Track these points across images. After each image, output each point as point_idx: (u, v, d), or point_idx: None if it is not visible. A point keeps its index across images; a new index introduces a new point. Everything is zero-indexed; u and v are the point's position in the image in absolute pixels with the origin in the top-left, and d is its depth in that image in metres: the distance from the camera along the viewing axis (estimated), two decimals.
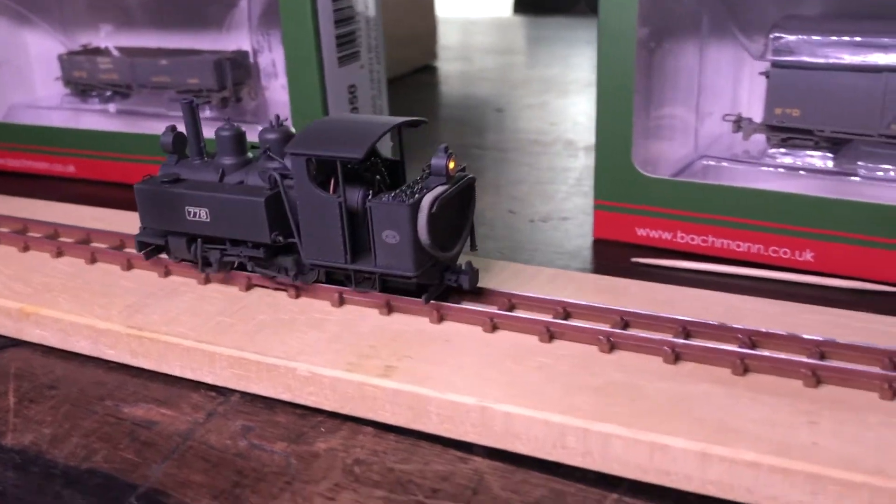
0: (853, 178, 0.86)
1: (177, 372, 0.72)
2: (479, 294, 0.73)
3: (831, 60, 0.83)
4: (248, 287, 0.78)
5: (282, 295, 0.76)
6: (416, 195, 0.67)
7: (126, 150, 1.19)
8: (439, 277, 0.71)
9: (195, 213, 0.75)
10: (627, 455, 0.56)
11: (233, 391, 0.70)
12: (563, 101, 1.63)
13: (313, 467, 0.60)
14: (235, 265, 0.79)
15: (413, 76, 1.88)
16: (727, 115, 0.93)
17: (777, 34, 0.85)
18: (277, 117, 0.76)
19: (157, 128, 0.92)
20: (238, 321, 0.73)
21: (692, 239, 0.90)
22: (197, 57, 1.18)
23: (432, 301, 0.71)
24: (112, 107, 1.29)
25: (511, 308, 0.71)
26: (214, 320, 0.73)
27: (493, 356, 0.65)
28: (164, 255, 0.82)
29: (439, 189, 0.68)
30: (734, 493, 0.54)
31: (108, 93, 1.30)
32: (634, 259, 0.90)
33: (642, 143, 0.91)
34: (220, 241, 0.77)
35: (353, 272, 0.72)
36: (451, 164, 0.69)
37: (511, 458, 0.60)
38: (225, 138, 0.77)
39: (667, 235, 0.91)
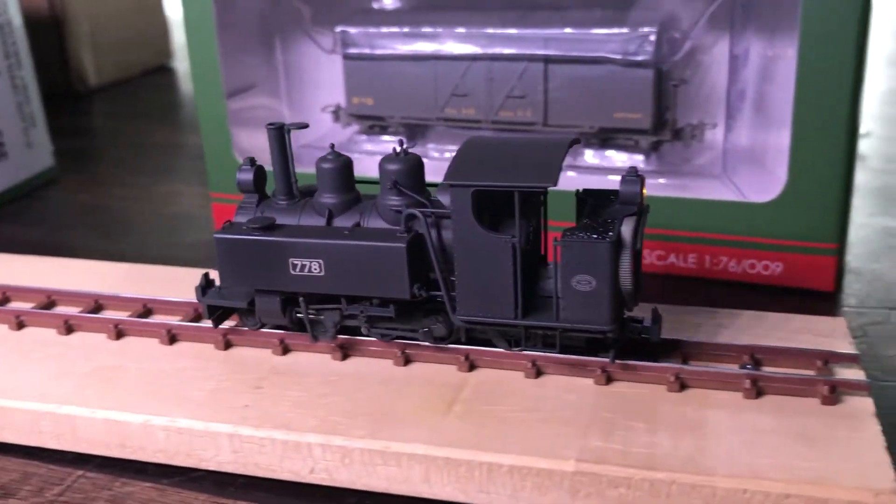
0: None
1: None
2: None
3: (389, 52, 0.90)
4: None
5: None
6: (610, 230, 0.55)
7: None
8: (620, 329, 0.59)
9: (303, 267, 0.61)
10: (89, 433, 0.60)
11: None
12: None
13: None
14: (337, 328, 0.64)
15: (147, 77, 1.88)
16: (326, 106, 0.98)
17: (342, 28, 0.91)
18: (402, 142, 0.62)
19: None
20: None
21: None
22: None
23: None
24: None
25: None
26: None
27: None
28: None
29: (633, 221, 0.56)
30: (180, 459, 0.59)
31: None
32: None
33: (241, 133, 0.95)
34: (332, 300, 0.63)
35: (523, 329, 0.59)
36: (644, 191, 0.58)
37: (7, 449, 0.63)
38: (328, 171, 0.63)
39: None
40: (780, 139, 0.77)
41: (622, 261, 0.55)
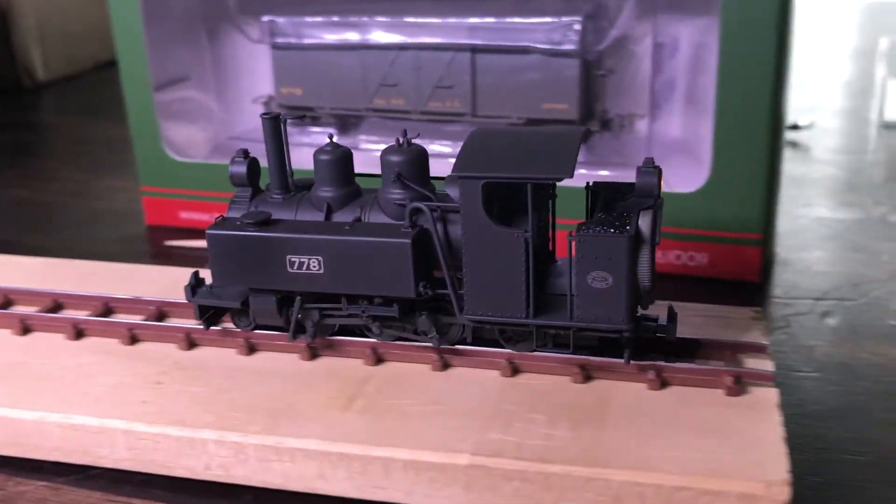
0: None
1: None
2: None
3: (316, 41, 0.89)
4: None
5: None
6: (627, 224, 0.53)
7: None
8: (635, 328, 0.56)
9: (301, 264, 0.58)
10: None
11: None
12: None
13: None
14: (336, 328, 0.62)
15: (99, 72, 1.85)
16: (257, 97, 0.97)
17: (270, 17, 0.90)
18: (405, 132, 0.59)
19: None
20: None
21: None
22: None
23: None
24: None
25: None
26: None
27: None
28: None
29: (650, 214, 0.54)
30: (76, 457, 0.57)
31: None
32: (168, 243, 0.93)
33: (170, 126, 0.94)
34: (332, 299, 0.60)
35: (534, 329, 0.57)
36: (661, 183, 0.56)
37: None
38: (326, 163, 0.60)
39: (206, 217, 0.94)
40: (710, 129, 0.76)
41: (641, 256, 0.53)
